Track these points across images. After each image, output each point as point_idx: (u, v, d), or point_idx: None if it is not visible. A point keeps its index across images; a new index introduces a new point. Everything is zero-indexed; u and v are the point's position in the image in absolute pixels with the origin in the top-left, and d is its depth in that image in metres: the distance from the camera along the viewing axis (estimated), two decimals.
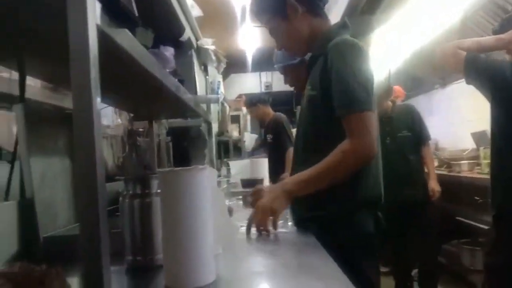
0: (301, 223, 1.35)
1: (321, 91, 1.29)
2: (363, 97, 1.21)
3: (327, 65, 1.27)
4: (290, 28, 1.39)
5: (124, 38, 0.82)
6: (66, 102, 2.20)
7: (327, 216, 1.26)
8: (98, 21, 0.69)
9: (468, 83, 1.97)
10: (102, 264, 0.62)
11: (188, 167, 0.79)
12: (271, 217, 1.24)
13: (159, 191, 0.94)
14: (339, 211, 1.26)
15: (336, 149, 1.22)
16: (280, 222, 1.28)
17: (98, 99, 0.65)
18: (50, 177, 1.32)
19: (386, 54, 4.41)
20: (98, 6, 0.71)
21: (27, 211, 1.13)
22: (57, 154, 1.40)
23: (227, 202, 1.97)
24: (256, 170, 3.03)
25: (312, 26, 1.40)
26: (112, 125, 2.76)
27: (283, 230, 1.30)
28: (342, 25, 1.42)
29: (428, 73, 4.84)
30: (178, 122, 2.73)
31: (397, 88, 3.71)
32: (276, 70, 2.21)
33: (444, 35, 3.59)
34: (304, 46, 1.44)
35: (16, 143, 1.25)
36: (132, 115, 2.21)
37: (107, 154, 2.55)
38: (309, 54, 1.48)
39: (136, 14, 0.94)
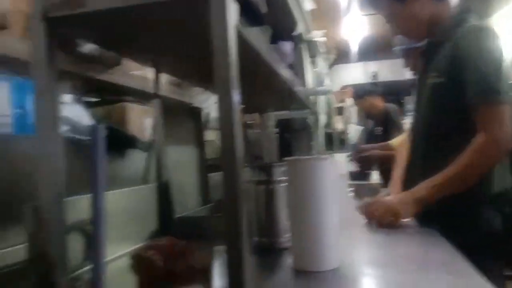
0: (423, 218, 1.31)
1: (449, 79, 1.24)
2: (502, 88, 1.15)
3: (457, 52, 1.22)
4: (410, 12, 1.35)
5: (254, 36, 0.88)
6: (187, 96, 2.41)
7: (450, 211, 1.21)
8: (236, 23, 0.76)
9: None
10: (243, 243, 0.68)
11: (313, 157, 0.83)
12: (391, 218, 1.22)
13: (280, 178, 1.00)
14: (463, 206, 1.20)
15: (469, 149, 1.16)
16: None
17: (238, 96, 0.72)
18: (181, 164, 1.47)
19: (505, 40, 3.97)
20: (236, 8, 0.77)
21: (163, 194, 1.28)
22: (186, 144, 1.56)
23: None
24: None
25: (432, 10, 1.34)
26: None
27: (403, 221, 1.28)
28: (467, 10, 1.34)
29: None
30: (285, 114, 2.79)
31: None
32: (384, 58, 2.15)
33: None
34: (423, 31, 1.39)
35: (152, 134, 1.41)
36: (243, 107, 2.33)
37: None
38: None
39: (264, 11, 1.00)
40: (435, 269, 0.82)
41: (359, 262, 0.91)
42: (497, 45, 1.20)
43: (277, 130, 2.80)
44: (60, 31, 0.79)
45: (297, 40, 2.02)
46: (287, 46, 1.29)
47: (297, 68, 1.81)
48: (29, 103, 1.43)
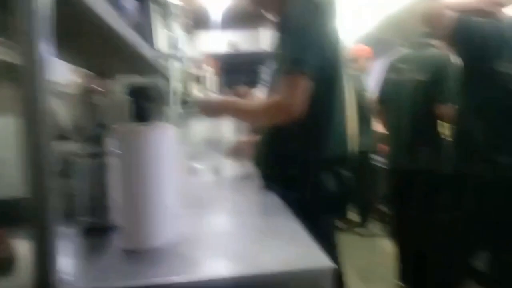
0: (265, 180, 1.40)
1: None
2: (302, 60, 1.26)
3: (284, 25, 1.36)
4: None
5: None
6: (13, 56, 2.05)
7: (289, 175, 1.31)
8: None
9: (451, 44, 1.85)
10: (50, 225, 0.58)
11: (145, 124, 0.75)
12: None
13: (114, 150, 0.90)
14: (301, 170, 1.30)
15: (266, 102, 1.38)
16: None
17: (47, 49, 0.59)
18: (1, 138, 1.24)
19: (357, 15, 4.39)
20: None
21: None
22: (6, 113, 1.31)
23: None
24: (219, 130, 2.98)
25: None
26: (68, 83, 2.62)
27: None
28: None
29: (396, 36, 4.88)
30: (137, 80, 2.62)
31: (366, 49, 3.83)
32: (244, 29, 2.15)
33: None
34: (277, 6, 1.44)
35: None
36: (88, 72, 2.10)
37: (62, 113, 2.44)
38: None
39: None
40: (272, 237, 0.83)
41: (198, 234, 0.87)
42: (311, 15, 1.27)
43: (127, 97, 2.62)
44: None
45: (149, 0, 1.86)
46: (129, 2, 1.16)
47: (145, 29, 1.67)
48: None
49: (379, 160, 3.64)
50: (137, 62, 1.67)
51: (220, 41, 7.51)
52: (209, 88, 5.47)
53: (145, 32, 1.65)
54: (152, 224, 0.74)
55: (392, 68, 2.61)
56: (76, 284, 0.61)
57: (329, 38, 1.31)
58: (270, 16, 1.67)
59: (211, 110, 1.48)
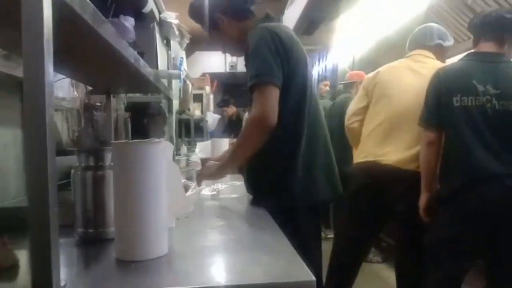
0: (255, 197, 1.50)
1: None
2: (267, 73, 1.33)
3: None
4: (223, 35, 1.60)
5: (81, 5, 0.79)
6: (19, 71, 2.10)
7: (276, 189, 1.42)
8: None
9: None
10: (50, 235, 0.60)
11: (143, 140, 0.78)
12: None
13: (111, 164, 0.93)
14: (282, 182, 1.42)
15: (244, 125, 1.41)
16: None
17: (51, 66, 0.63)
18: (0, 148, 1.27)
19: (351, 40, 4.49)
20: None
21: None
22: (8, 124, 1.35)
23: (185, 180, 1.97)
24: (217, 150, 3.02)
25: (240, 29, 1.57)
26: (68, 97, 2.66)
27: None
28: (263, 18, 1.55)
29: (391, 61, 4.98)
30: (138, 97, 2.67)
31: (360, 73, 3.84)
32: None
33: (408, 24, 3.71)
34: (239, 47, 1.62)
35: None
36: (89, 88, 2.14)
37: (62, 127, 2.47)
38: None
39: None
40: (259, 250, 0.85)
41: (188, 247, 0.90)
42: (267, 39, 1.37)
43: (128, 113, 2.66)
44: None
45: (149, 19, 1.92)
46: (129, 21, 1.20)
47: (146, 47, 1.73)
48: None
49: None
50: (137, 80, 1.72)
51: (219, 62, 7.63)
52: (208, 107, 5.52)
53: (147, 50, 1.70)
54: (145, 237, 0.77)
55: None
56: None
57: (293, 64, 1.39)
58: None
59: (212, 176, 1.52)
